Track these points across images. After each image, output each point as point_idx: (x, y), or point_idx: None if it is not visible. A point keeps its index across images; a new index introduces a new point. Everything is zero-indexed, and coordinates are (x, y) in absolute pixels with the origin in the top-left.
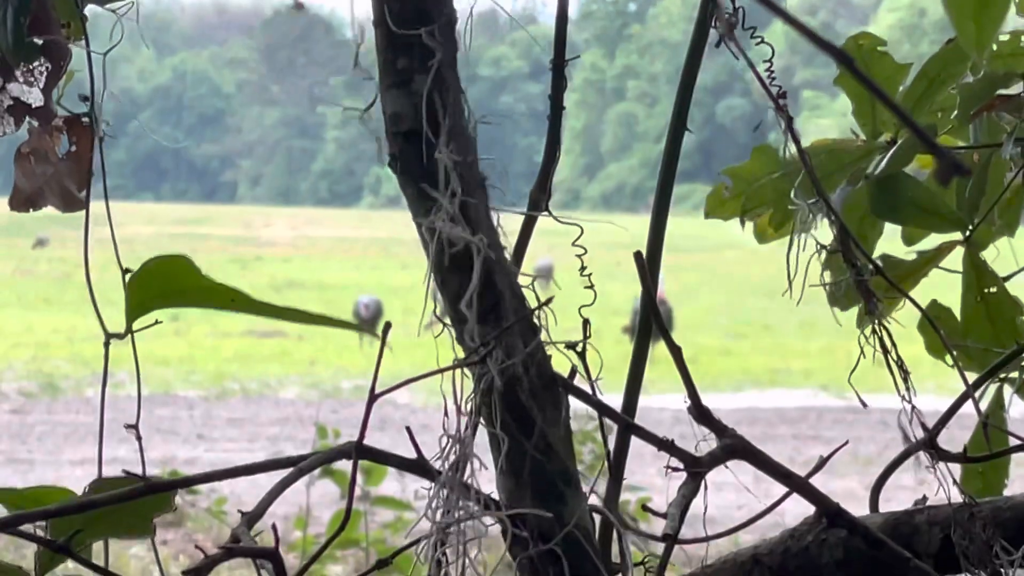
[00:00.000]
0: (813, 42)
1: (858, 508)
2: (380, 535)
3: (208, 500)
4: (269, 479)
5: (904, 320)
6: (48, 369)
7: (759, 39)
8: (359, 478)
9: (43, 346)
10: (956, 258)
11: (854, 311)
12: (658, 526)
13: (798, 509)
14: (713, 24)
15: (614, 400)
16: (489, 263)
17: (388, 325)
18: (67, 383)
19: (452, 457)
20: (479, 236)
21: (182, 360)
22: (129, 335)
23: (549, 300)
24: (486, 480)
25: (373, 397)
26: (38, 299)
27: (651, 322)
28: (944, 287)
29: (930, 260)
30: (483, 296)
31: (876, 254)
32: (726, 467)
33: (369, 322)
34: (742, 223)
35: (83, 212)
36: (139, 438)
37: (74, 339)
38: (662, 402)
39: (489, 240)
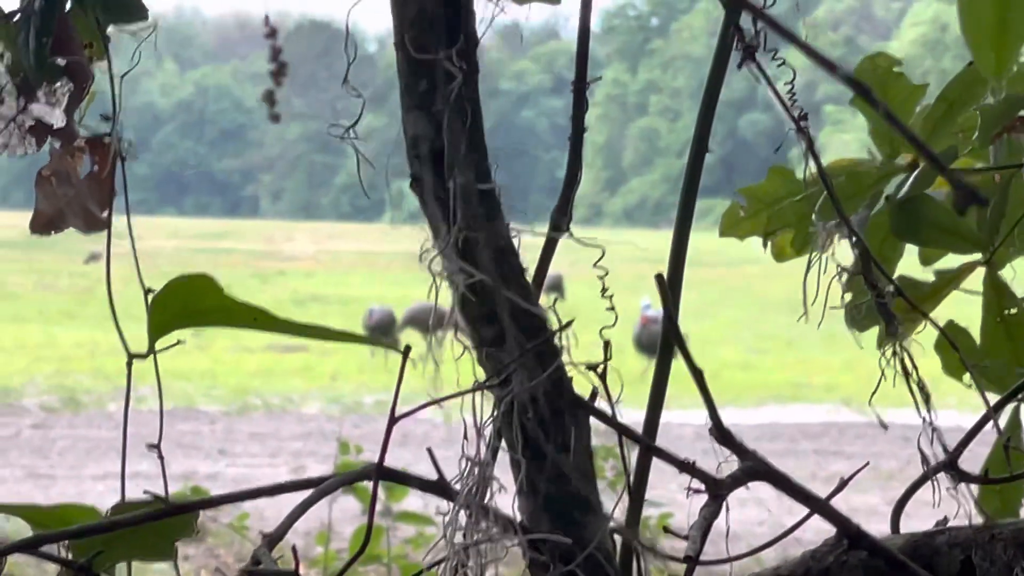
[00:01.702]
0: (827, 70)
1: (879, 523)
2: (402, 550)
3: (230, 515)
4: (292, 494)
5: (922, 339)
6: (70, 384)
7: (780, 61)
8: (381, 494)
9: (65, 360)
10: (975, 279)
11: (874, 330)
12: (679, 545)
13: (821, 525)
14: (735, 47)
15: (634, 415)
16: (495, 297)
17: (408, 348)
18: (89, 398)
19: (472, 479)
20: (483, 274)
21: (204, 375)
22: (152, 355)
23: (570, 323)
24: (508, 501)
25: (393, 419)
26: (60, 313)
27: (673, 342)
28: (957, 307)
29: (950, 281)
30: (500, 323)
31: (894, 275)
32: (747, 487)
33: (376, 330)
34: (764, 244)
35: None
36: (161, 458)
37: (96, 354)
38: (683, 418)
39: (500, 268)
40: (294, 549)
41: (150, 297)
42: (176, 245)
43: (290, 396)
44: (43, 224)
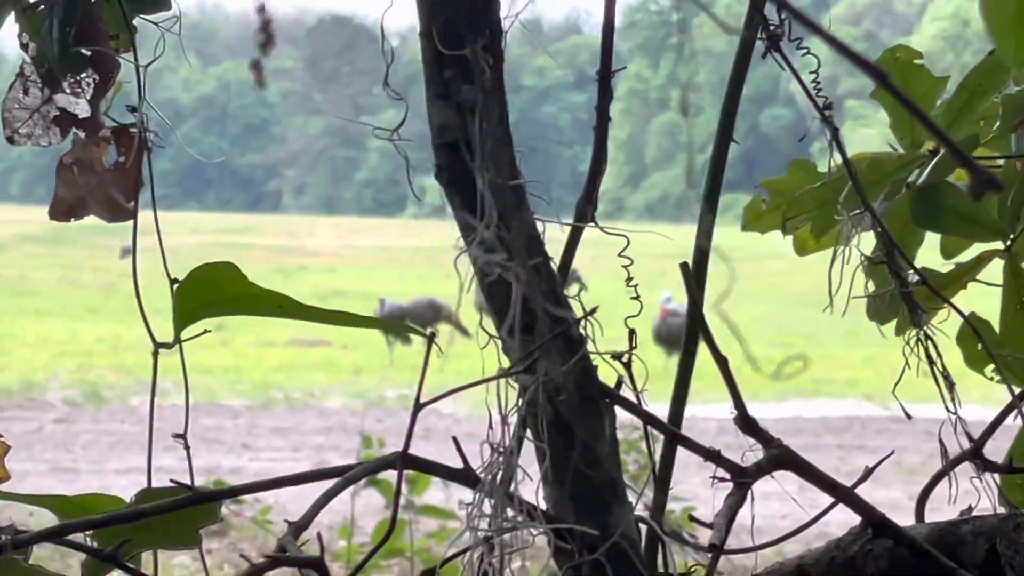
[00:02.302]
0: (849, 59)
1: (903, 518)
2: (424, 544)
3: (253, 509)
4: (315, 488)
5: (941, 324)
6: (93, 378)
7: (805, 50)
8: (403, 487)
9: (88, 355)
10: (994, 270)
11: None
12: (704, 536)
13: (844, 518)
14: (759, 36)
15: (658, 410)
16: (527, 284)
17: (433, 334)
18: (112, 392)
19: (496, 468)
20: (515, 262)
21: (227, 369)
22: (177, 344)
23: (594, 310)
24: (532, 490)
25: (418, 407)
26: (83, 308)
27: (698, 333)
28: (975, 302)
29: (970, 270)
30: (525, 311)
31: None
32: (771, 477)
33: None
34: (783, 233)
35: (128, 222)
36: (187, 447)
37: (119, 348)
38: (707, 412)
39: (530, 257)
40: (319, 537)
41: (175, 287)
42: (198, 240)
43: (312, 390)
44: (62, 211)
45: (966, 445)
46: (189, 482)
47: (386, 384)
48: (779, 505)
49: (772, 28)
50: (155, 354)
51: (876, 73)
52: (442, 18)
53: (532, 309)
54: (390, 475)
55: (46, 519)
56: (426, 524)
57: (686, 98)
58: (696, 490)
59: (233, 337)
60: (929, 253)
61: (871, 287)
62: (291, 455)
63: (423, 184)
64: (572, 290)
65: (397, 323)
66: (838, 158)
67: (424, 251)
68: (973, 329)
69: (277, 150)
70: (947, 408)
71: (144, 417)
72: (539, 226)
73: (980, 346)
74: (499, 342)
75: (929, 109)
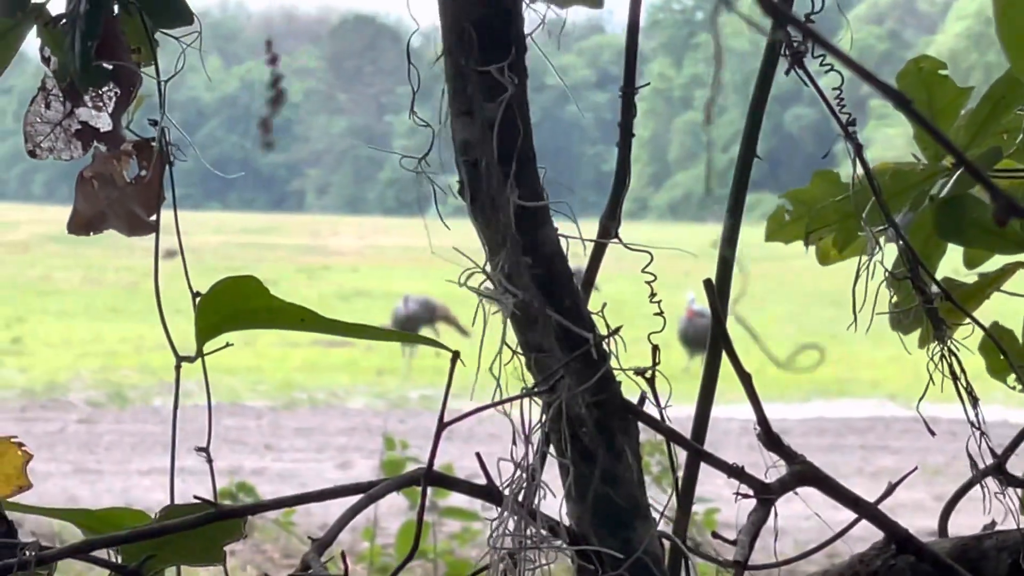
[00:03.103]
0: (869, 82)
1: (926, 520)
2: (448, 546)
3: (276, 511)
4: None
5: (964, 339)
6: (116, 379)
7: (828, 67)
8: (429, 489)
9: (111, 356)
10: (1018, 280)
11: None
12: (728, 547)
13: (866, 524)
14: (783, 52)
15: (679, 411)
16: (541, 311)
17: (456, 354)
18: (135, 393)
19: (519, 485)
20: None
21: (250, 370)
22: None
23: (617, 329)
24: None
25: (442, 425)
26: (106, 308)
27: (720, 345)
28: (997, 310)
29: (993, 281)
30: (548, 331)
31: (937, 275)
32: (794, 493)
33: (409, 319)
34: (806, 245)
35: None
36: (210, 461)
37: (142, 349)
38: (729, 413)
39: (549, 276)
40: (343, 555)
41: (197, 301)
42: (221, 240)
43: (335, 391)
44: (81, 225)
45: (989, 459)
46: (212, 497)
47: (409, 385)
48: (802, 507)
49: (795, 45)
50: (177, 367)
51: (899, 98)
52: (466, 35)
53: (555, 329)
54: None
55: (71, 527)
56: (450, 525)
57: (711, 103)
58: (719, 491)
59: (256, 337)
60: (951, 258)
61: (894, 299)
62: (314, 456)
63: (448, 183)
64: (596, 305)
65: (417, 335)
66: (860, 171)
67: (449, 251)
68: (994, 340)
69: (300, 149)
70: (971, 423)
71: (167, 417)
72: (563, 243)
73: (1002, 356)
74: (523, 359)
75: (952, 119)
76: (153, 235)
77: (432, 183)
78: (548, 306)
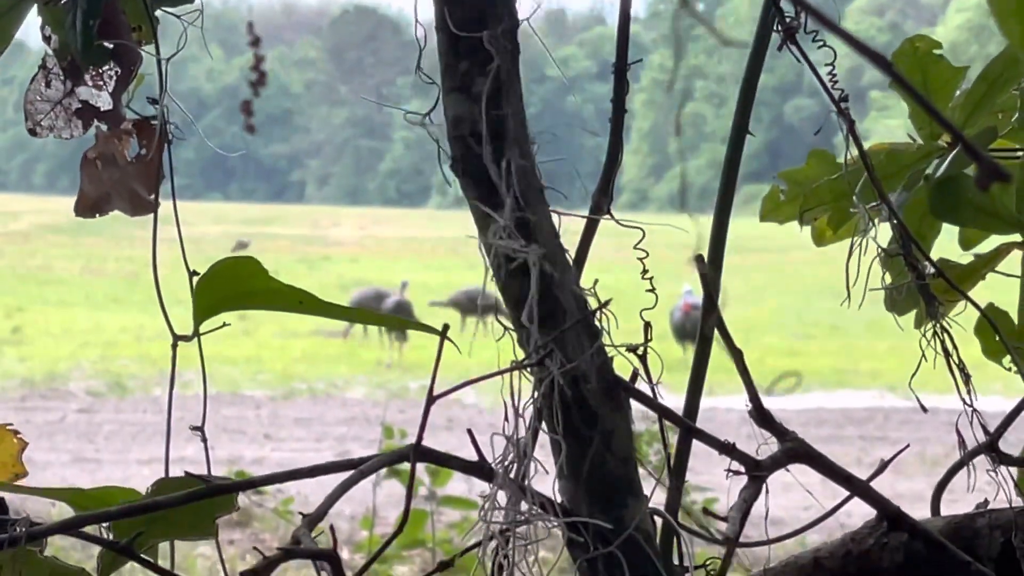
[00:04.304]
0: (862, 53)
1: (925, 510)
2: (446, 535)
3: (275, 500)
4: (336, 480)
5: (961, 323)
6: (116, 368)
7: (821, 43)
8: (426, 479)
9: (111, 345)
10: (1012, 261)
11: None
12: (722, 528)
13: (864, 509)
14: (775, 28)
15: (676, 401)
16: (545, 272)
17: (446, 327)
18: (135, 382)
19: (511, 460)
20: (533, 248)
21: (249, 360)
22: (196, 337)
23: (607, 302)
24: (547, 482)
25: (431, 399)
26: (106, 298)
27: (714, 326)
28: (993, 290)
29: (988, 262)
30: (541, 302)
31: (933, 258)
32: (787, 470)
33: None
34: (800, 224)
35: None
36: (204, 439)
37: (142, 338)
38: (729, 403)
39: (546, 249)
40: (332, 529)
41: (195, 280)
42: (222, 231)
43: (335, 381)
44: (88, 207)
45: (982, 438)
46: (206, 472)
47: (408, 376)
48: (802, 496)
49: (788, 21)
50: (174, 346)
51: (883, 63)
52: (458, 8)
53: (547, 301)
54: None
55: (67, 511)
56: (448, 515)
57: (679, 117)
58: (719, 481)
59: (256, 327)
60: (947, 240)
61: (888, 279)
62: (313, 446)
63: (446, 174)
64: (587, 282)
65: (411, 321)
66: (856, 150)
67: (447, 241)
68: (989, 321)
69: (301, 140)
70: (963, 400)
71: (166, 407)
72: (555, 219)
73: (997, 337)
74: (514, 334)
75: (948, 100)
76: (148, 215)
77: (438, 143)
78: (557, 255)
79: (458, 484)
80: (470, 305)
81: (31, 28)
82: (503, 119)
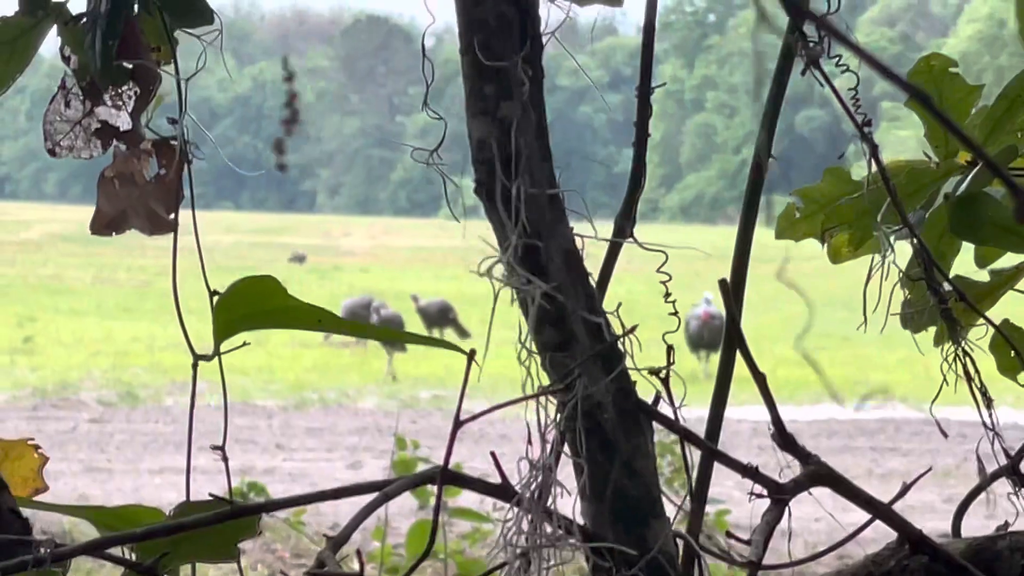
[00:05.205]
0: (885, 76)
1: (937, 521)
2: (458, 546)
3: (287, 511)
4: (340, 477)
5: (975, 337)
6: (127, 378)
7: (844, 68)
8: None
9: (122, 355)
10: None
11: (930, 329)
12: (741, 546)
13: (879, 524)
14: (798, 53)
15: (692, 414)
16: (558, 302)
17: (473, 351)
18: (146, 392)
19: (534, 483)
20: (535, 284)
21: (261, 370)
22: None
23: (633, 328)
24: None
25: (458, 423)
26: (118, 308)
27: (735, 345)
28: (1006, 306)
29: (1007, 281)
30: (558, 329)
31: (951, 273)
32: (808, 492)
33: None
34: (822, 242)
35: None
36: (225, 460)
37: (153, 348)
38: (741, 414)
39: (557, 279)
40: (359, 553)
41: (215, 300)
42: (233, 240)
43: (347, 391)
44: (104, 225)
45: (1003, 460)
46: (227, 495)
47: (420, 385)
48: (813, 508)
49: (811, 45)
50: (194, 366)
51: (914, 91)
52: (482, 35)
53: (562, 329)
54: None
55: (85, 525)
56: (460, 526)
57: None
58: (730, 492)
59: (267, 337)
60: (962, 257)
61: (908, 296)
62: (325, 455)
63: (460, 184)
64: (610, 305)
65: (430, 337)
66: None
67: (458, 251)
68: (1005, 338)
69: (312, 150)
70: (984, 424)
71: (178, 417)
72: (578, 242)
73: (1013, 353)
74: (538, 358)
75: (963, 117)
76: (165, 234)
77: (444, 176)
78: (572, 293)
79: (470, 495)
80: (437, 317)
81: (48, 40)
82: (525, 142)
